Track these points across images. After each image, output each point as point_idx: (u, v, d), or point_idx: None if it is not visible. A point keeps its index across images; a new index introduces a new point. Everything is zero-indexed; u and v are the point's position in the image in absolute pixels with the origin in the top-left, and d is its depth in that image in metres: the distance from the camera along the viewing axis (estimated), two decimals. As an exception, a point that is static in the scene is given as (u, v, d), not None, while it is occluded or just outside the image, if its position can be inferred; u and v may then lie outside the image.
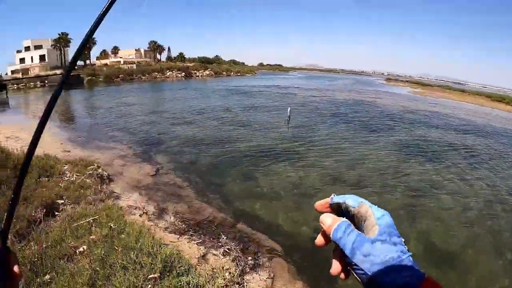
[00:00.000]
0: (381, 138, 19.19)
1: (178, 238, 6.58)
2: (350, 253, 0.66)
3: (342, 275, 0.71)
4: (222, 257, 6.04)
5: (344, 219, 0.72)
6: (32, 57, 66.28)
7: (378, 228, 0.68)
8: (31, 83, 46.17)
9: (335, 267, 0.71)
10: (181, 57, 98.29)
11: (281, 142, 16.28)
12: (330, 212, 0.76)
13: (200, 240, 6.63)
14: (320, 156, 14.47)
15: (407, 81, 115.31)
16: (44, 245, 4.90)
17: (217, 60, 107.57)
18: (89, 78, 51.25)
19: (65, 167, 8.96)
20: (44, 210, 6.16)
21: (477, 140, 21.93)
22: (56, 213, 6.42)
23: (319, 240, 0.75)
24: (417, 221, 9.31)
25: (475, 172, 14.39)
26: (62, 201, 6.96)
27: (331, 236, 0.71)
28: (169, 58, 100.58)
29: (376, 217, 0.69)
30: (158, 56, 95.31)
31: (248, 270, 5.81)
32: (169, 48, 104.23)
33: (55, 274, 4.28)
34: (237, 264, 5.79)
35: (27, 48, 67.89)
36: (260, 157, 13.57)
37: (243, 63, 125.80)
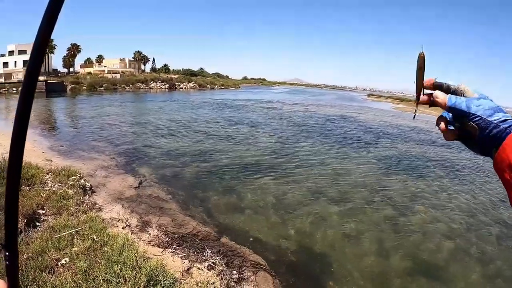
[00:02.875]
0: (363, 153, 19.47)
1: (162, 252, 6.50)
2: (466, 107, 0.90)
3: (445, 128, 0.96)
4: (207, 271, 5.99)
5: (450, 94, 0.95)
6: (15, 62, 65.13)
7: (477, 94, 0.93)
8: (14, 89, 45.37)
9: (442, 125, 0.97)
10: (165, 68, 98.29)
11: (265, 156, 16.34)
12: (432, 89, 1.00)
13: (184, 254, 6.57)
14: (303, 170, 14.57)
15: (389, 96, 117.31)
16: (25, 256, 4.79)
17: (201, 72, 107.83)
18: (72, 86, 50.60)
19: (46, 177, 8.79)
20: (25, 220, 6.02)
21: (459, 154, 22.43)
22: (37, 223, 6.28)
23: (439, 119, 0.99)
24: (401, 235, 9.43)
25: (456, 185, 14.76)
26: (43, 211, 6.82)
27: (447, 103, 0.93)
28: (153, 69, 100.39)
29: (472, 89, 0.94)
30: (142, 66, 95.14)
31: (233, 284, 5.77)
32: (153, 59, 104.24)
33: (37, 287, 4.18)
34: (222, 278, 5.75)
35: (11, 53, 66.85)
36: (243, 171, 13.59)
37: (227, 76, 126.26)
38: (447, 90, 0.98)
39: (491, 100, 0.91)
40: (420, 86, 1.02)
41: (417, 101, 1.05)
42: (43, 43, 0.69)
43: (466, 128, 0.93)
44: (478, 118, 0.88)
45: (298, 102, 55.64)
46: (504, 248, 9.52)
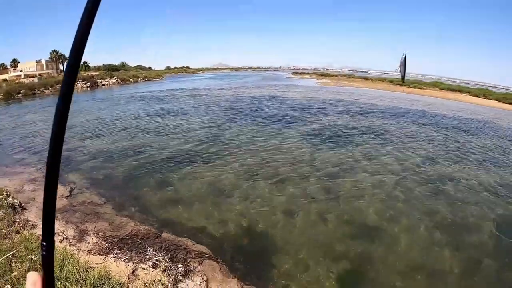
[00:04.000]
0: (292, 129, 20.28)
1: (104, 259, 6.49)
2: None
3: None
4: (152, 269, 6.12)
5: None
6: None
7: None
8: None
9: None
10: (85, 66, 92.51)
11: (194, 144, 16.42)
12: None
13: (127, 257, 6.61)
14: (233, 153, 14.95)
15: (313, 73, 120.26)
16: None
17: (123, 66, 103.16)
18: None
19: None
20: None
21: (380, 121, 24.25)
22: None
23: None
24: (338, 203, 10.17)
25: (383, 150, 15.99)
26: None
27: None
28: None
29: None
30: (61, 66, 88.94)
31: (180, 278, 5.97)
32: None
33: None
34: (168, 274, 5.92)
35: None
36: (175, 162, 13.62)
37: (149, 68, 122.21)
38: None
39: None
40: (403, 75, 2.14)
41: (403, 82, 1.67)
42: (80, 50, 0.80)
43: None
44: None
45: (223, 86, 55.50)
46: (431, 200, 10.67)
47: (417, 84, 62.78)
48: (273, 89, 49.88)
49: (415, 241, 8.32)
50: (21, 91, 50.21)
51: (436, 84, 64.24)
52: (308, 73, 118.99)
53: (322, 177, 12.15)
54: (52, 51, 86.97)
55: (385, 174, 12.64)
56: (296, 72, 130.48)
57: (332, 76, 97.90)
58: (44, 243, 0.84)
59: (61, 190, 10.49)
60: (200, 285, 5.92)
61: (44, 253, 0.84)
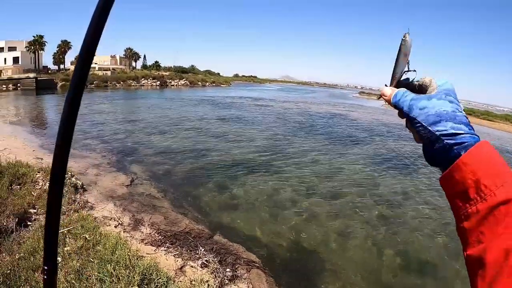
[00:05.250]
0: (355, 150, 19.60)
1: (155, 250, 6.48)
2: (408, 110, 0.76)
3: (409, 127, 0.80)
4: (200, 269, 6.00)
5: (404, 89, 0.81)
6: (5, 59, 64.49)
7: (437, 90, 0.75)
8: (3, 86, 44.78)
9: (406, 124, 0.81)
10: (156, 65, 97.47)
11: (257, 153, 16.36)
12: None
13: (177, 252, 6.56)
14: (295, 168, 14.62)
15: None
16: (16, 256, 4.75)
17: (192, 69, 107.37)
18: (62, 83, 50.01)
19: (37, 175, 8.69)
20: (16, 220, 5.96)
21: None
22: (29, 223, 6.23)
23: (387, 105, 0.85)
24: (392, 232, 9.53)
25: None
26: (34, 211, 6.76)
27: (392, 101, 0.81)
28: (144, 66, 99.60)
29: (438, 84, 0.76)
30: (133, 63, 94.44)
31: (227, 282, 5.79)
32: (144, 56, 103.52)
33: (29, 287, 4.15)
34: (215, 276, 5.76)
35: (1, 49, 65.95)
36: (235, 168, 13.59)
37: (218, 74, 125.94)
38: (413, 87, 0.82)
39: (454, 102, 0.73)
40: (400, 74, 0.85)
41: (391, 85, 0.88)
42: (91, 48, 0.70)
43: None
44: (419, 124, 0.74)
45: (290, 100, 55.72)
46: None
47: (487, 115, 58.84)
48: (340, 107, 49.21)
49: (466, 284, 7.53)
50: (94, 82, 53.60)
51: (508, 118, 59.47)
52: (374, 94, 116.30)
53: (382, 204, 11.48)
54: (126, 48, 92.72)
55: (443, 209, 11.72)
56: (363, 92, 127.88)
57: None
58: (46, 267, 0.71)
59: (123, 178, 10.85)
60: (245, 292, 5.70)
61: (45, 277, 0.72)
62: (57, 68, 78.09)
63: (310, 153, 17.63)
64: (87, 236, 5.59)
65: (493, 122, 54.67)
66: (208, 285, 5.29)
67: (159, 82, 66.99)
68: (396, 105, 0.80)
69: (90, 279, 4.44)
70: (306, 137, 22.30)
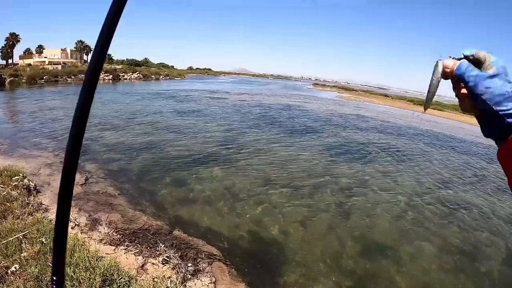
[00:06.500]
0: (309, 140, 20.14)
1: (114, 250, 6.42)
2: (473, 85, 0.82)
3: (464, 93, 0.87)
4: (161, 265, 6.03)
5: (465, 61, 0.86)
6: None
7: (494, 67, 0.82)
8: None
9: (463, 90, 0.87)
10: (108, 58, 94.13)
11: (213, 146, 16.40)
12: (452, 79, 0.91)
13: (138, 250, 6.53)
14: (250, 159, 14.84)
15: (333, 86, 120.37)
16: (-31, 267, 4.58)
17: (146, 63, 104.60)
18: (11, 79, 47.09)
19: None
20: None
21: (399, 140, 23.99)
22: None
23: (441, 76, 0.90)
24: (350, 218, 9.98)
25: (399, 169, 15.74)
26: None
27: (455, 70, 0.86)
28: None
29: (493, 60, 0.83)
30: (85, 57, 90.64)
31: (189, 276, 5.86)
32: None
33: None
34: (177, 272, 5.82)
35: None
36: (191, 162, 13.57)
37: (172, 67, 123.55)
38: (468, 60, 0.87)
39: (509, 81, 0.81)
40: (431, 97, 0.94)
41: (425, 109, 1.07)
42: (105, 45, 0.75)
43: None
44: (483, 101, 0.81)
45: (245, 92, 55.77)
46: (446, 223, 10.44)
47: (437, 105, 62.28)
48: (294, 99, 50.07)
49: (423, 263, 8.10)
50: (44, 77, 51.05)
51: (457, 108, 63.60)
52: (329, 86, 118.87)
53: (340, 191, 11.97)
54: (77, 41, 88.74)
55: (397, 193, 12.40)
56: (317, 84, 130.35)
57: (353, 90, 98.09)
58: (55, 278, 0.80)
59: (77, 178, 10.47)
60: (208, 285, 5.80)
61: (54, 287, 0.80)
62: (5, 63, 73.49)
63: (267, 144, 17.92)
64: (43, 240, 5.45)
65: (442, 111, 58.18)
66: (171, 281, 5.35)
67: (111, 76, 64.65)
68: (460, 77, 0.85)
69: (50, 284, 4.37)
70: (262, 129, 22.58)
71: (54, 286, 0.78)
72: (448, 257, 8.46)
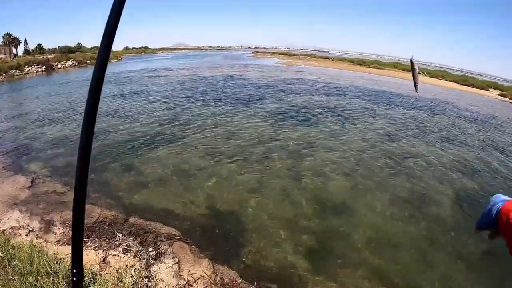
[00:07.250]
0: (255, 108, 20.51)
1: (73, 248, 6.49)
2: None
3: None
4: (123, 255, 6.22)
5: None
6: None
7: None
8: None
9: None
10: (39, 49, 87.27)
11: (156, 126, 16.29)
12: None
13: (96, 244, 6.65)
14: (196, 133, 15.04)
15: (274, 52, 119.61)
16: None
17: (79, 48, 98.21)
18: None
19: None
20: None
21: (340, 99, 24.99)
22: None
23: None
24: (302, 180, 10.54)
25: (344, 128, 16.57)
26: None
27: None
28: (26, 51, 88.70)
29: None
30: (14, 50, 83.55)
31: (152, 261, 6.12)
32: (25, 41, 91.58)
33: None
34: (140, 259, 6.05)
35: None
36: (137, 145, 13.50)
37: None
38: None
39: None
40: (416, 80, 2.50)
41: (416, 90, 2.61)
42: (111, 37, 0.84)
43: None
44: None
45: (185, 66, 54.28)
46: (394, 174, 11.32)
47: (377, 64, 64.48)
48: (235, 69, 49.64)
49: (377, 215, 8.85)
50: (-29, 77, 46.85)
51: (396, 65, 66.31)
52: (269, 53, 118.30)
53: (285, 155, 12.54)
54: (5, 34, 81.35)
55: (345, 151, 13.16)
56: (257, 52, 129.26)
57: (293, 55, 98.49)
58: (75, 270, 0.91)
59: (23, 181, 10.19)
60: (172, 267, 6.09)
61: (74, 278, 0.92)
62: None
63: (212, 117, 18.07)
64: (0, 253, 5.46)
65: (382, 69, 60.64)
66: (135, 269, 5.58)
67: (44, 67, 60.40)
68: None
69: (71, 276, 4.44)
70: (206, 102, 22.55)
71: (75, 278, 0.92)
72: (399, 206, 9.32)
